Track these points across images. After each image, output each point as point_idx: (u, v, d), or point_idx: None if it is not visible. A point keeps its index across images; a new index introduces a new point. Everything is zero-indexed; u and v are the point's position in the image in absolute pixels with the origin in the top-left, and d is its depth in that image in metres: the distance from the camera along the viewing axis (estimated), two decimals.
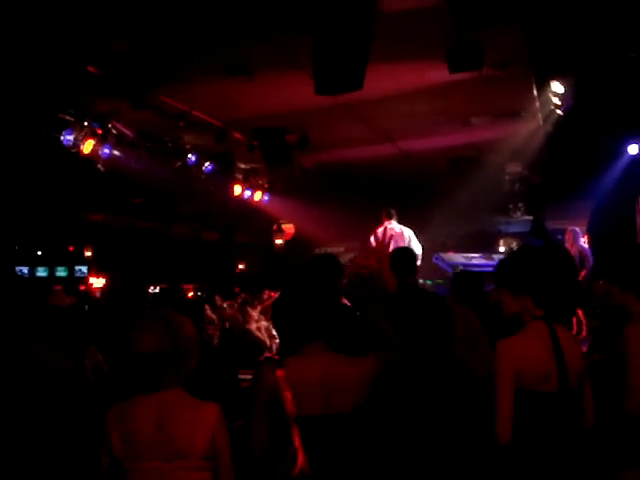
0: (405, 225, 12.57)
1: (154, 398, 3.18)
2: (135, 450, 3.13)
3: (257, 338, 11.27)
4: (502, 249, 15.39)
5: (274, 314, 4.40)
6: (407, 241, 12.43)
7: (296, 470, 3.23)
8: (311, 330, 3.52)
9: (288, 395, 3.32)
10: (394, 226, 12.47)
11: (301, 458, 3.25)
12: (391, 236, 12.38)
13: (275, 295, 13.57)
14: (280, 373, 3.37)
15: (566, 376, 3.42)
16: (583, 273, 12.49)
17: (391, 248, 12.21)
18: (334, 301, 3.67)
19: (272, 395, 3.34)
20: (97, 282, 15.21)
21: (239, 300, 12.85)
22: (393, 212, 12.76)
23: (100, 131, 11.08)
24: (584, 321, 11.93)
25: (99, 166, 11.33)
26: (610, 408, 3.69)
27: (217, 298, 12.39)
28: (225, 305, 12.31)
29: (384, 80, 9.75)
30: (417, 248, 12.30)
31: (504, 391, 3.39)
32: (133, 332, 3.25)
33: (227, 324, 11.85)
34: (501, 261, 3.93)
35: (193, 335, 3.28)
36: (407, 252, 6.42)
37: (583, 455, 3.47)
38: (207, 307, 11.51)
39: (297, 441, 3.27)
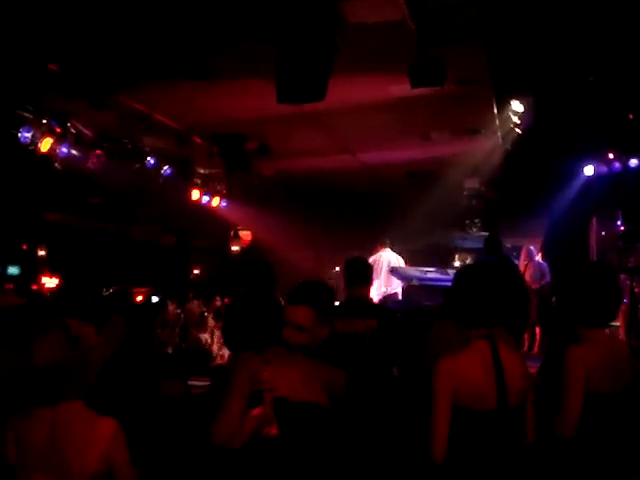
0: (361, 236, 12.94)
1: (50, 411, 3.06)
2: (27, 463, 3.01)
3: (206, 348, 11.17)
4: (457, 264, 15.49)
5: (229, 323, 4.35)
6: (379, 270, 12.92)
7: (270, 432, 3.38)
8: (272, 335, 3.63)
9: (267, 374, 3.42)
10: (373, 257, 13.15)
11: (274, 425, 3.39)
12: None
13: (227, 301, 13.56)
14: (260, 357, 3.55)
15: (505, 395, 3.44)
16: (537, 287, 12.64)
17: None
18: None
19: (254, 372, 3.45)
20: (50, 282, 14.97)
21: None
22: (381, 242, 13.44)
23: (59, 129, 10.94)
24: (538, 338, 12.07)
25: (56, 165, 11.19)
26: (547, 429, 3.72)
27: (170, 303, 12.28)
28: (178, 310, 12.19)
29: (346, 91, 9.77)
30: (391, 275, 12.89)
31: (440, 408, 3.42)
32: (30, 343, 3.12)
33: (178, 330, 11.74)
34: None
35: (94, 346, 3.17)
36: (357, 262, 6.31)
37: (522, 474, 3.50)
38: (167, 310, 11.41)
39: (271, 410, 3.40)
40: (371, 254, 13.75)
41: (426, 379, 3.53)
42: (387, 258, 13.89)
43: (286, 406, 3.47)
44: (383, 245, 14.19)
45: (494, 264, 9.73)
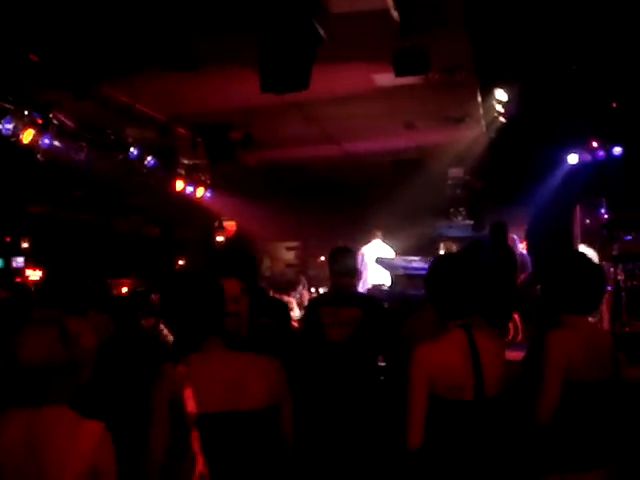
0: (346, 226, 12.94)
1: (30, 414, 2.76)
2: (1, 471, 2.69)
3: None
4: (442, 252, 15.50)
5: (168, 312, 4.25)
6: (360, 261, 13.04)
7: (196, 475, 3.03)
8: (209, 326, 3.34)
9: (189, 392, 3.10)
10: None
11: (200, 462, 3.04)
12: None
13: None
14: (181, 369, 3.16)
15: (482, 385, 3.45)
16: (523, 277, 12.68)
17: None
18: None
19: (173, 393, 3.12)
20: (34, 275, 14.92)
21: None
22: (372, 234, 13.52)
23: (40, 121, 10.86)
24: (520, 326, 12.09)
25: (39, 156, 11.12)
26: (527, 416, 3.71)
27: (153, 295, 12.24)
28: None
29: (330, 81, 9.76)
30: (369, 269, 12.93)
31: (416, 397, 3.42)
32: (17, 338, 2.79)
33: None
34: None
35: (90, 346, 2.87)
36: (342, 252, 6.26)
37: (500, 463, 3.50)
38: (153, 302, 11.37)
39: (196, 445, 3.06)
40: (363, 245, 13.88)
41: (401, 367, 3.52)
42: (369, 251, 13.89)
43: (212, 421, 3.15)
44: (374, 237, 14.24)
45: (469, 254, 9.82)
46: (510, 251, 11.55)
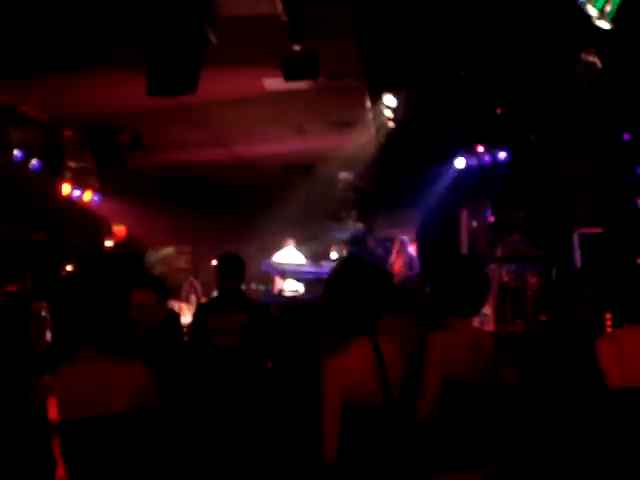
0: (238, 230, 12.99)
1: None
2: None
3: None
4: (334, 255, 15.65)
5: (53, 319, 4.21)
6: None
7: None
8: (82, 333, 3.32)
9: (52, 401, 3.15)
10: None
11: (60, 468, 3.11)
12: None
13: None
14: (46, 380, 3.22)
15: (389, 390, 3.49)
16: (410, 276, 12.88)
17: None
18: (114, 301, 3.48)
19: (36, 403, 3.17)
20: None
21: None
22: (284, 241, 13.70)
23: None
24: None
25: None
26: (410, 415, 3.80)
27: (39, 301, 11.89)
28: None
29: (220, 84, 9.71)
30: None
31: (330, 410, 3.41)
32: None
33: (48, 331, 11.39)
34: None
35: None
36: (229, 258, 6.29)
37: (404, 463, 3.56)
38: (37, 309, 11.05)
39: (57, 451, 3.12)
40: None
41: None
42: (280, 258, 14.02)
43: (77, 430, 3.18)
44: (285, 244, 14.39)
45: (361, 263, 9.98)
46: (374, 257, 11.84)
